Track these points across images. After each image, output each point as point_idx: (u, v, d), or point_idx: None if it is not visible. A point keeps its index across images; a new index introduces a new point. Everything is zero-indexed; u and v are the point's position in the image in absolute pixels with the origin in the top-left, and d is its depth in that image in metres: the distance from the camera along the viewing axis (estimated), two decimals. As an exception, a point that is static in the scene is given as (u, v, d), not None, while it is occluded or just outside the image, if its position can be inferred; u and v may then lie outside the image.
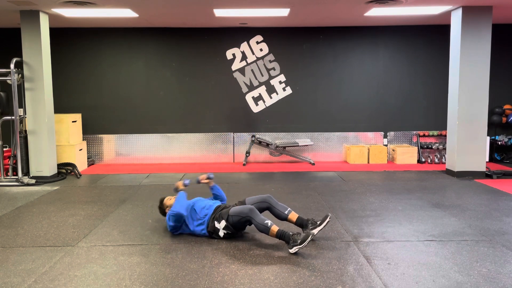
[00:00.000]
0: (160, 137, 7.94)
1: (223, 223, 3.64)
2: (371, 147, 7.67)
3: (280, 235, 3.40)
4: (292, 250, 3.36)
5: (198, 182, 4.14)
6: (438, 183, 6.02)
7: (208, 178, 4.15)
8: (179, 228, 3.84)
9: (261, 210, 3.79)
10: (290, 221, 3.75)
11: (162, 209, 4.07)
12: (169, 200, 4.03)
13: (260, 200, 3.82)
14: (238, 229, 3.68)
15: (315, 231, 3.61)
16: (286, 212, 3.75)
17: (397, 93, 7.96)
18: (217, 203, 3.96)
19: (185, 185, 4.01)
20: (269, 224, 3.43)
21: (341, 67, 7.93)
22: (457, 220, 4.24)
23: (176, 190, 4.02)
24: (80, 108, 7.80)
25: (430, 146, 7.70)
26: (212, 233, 3.73)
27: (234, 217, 3.58)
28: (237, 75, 7.91)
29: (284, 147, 7.71)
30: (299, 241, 3.32)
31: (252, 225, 3.57)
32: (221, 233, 3.67)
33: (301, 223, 3.71)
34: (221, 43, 7.85)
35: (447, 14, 6.60)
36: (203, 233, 3.77)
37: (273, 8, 6.16)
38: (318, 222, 3.66)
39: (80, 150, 7.21)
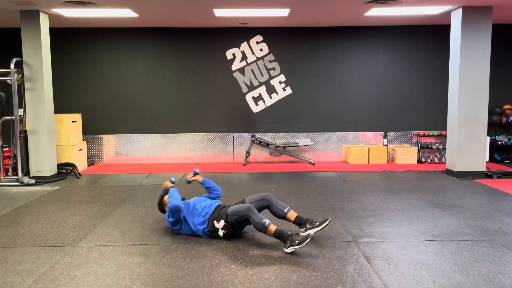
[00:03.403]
0: (160, 137, 7.94)
1: (222, 222, 3.64)
2: (371, 147, 7.67)
3: (278, 234, 3.40)
4: (288, 250, 3.35)
5: (188, 182, 4.17)
6: (438, 183, 6.02)
7: (194, 174, 4.17)
8: (178, 224, 3.80)
9: (261, 209, 3.78)
10: (288, 219, 3.74)
11: (162, 207, 4.05)
12: (167, 199, 4.03)
13: (259, 198, 3.81)
14: (236, 229, 3.68)
15: (312, 231, 3.60)
16: (285, 211, 3.74)
17: (397, 93, 7.96)
18: (217, 202, 3.95)
19: (172, 183, 4.00)
20: (267, 223, 3.43)
21: (341, 67, 7.92)
22: (457, 220, 4.24)
23: (166, 190, 4.01)
24: (80, 108, 7.80)
25: (430, 146, 7.70)
26: (212, 233, 3.73)
27: (232, 216, 3.58)
28: (237, 75, 7.91)
29: (284, 147, 7.71)
30: (297, 241, 3.31)
31: (251, 224, 3.58)
32: (221, 233, 3.67)
33: (300, 222, 3.70)
34: (221, 43, 7.85)
35: (447, 14, 6.60)
36: (205, 231, 3.75)
37: (273, 8, 6.16)
38: (317, 223, 3.65)
39: (80, 150, 7.21)
